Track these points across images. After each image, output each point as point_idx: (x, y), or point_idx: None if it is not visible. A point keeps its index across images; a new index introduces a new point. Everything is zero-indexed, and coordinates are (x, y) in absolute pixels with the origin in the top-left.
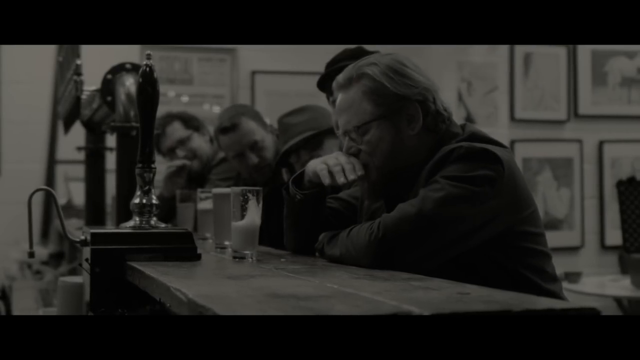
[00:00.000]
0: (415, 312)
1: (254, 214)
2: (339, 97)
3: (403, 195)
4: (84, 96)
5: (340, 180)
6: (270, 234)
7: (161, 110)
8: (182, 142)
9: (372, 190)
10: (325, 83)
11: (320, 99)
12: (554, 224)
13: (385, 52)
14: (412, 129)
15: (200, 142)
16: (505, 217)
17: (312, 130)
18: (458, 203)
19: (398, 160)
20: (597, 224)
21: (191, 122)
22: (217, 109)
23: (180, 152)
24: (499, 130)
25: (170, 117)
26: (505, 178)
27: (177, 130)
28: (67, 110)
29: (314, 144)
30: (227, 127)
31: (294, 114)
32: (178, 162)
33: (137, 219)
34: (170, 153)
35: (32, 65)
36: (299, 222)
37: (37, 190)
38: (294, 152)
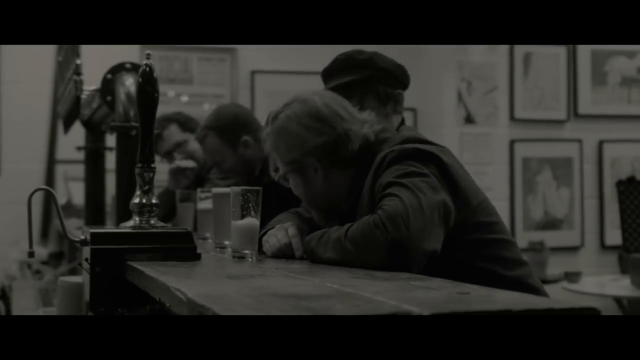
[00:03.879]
0: (415, 312)
1: (253, 214)
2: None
3: (353, 214)
4: (83, 96)
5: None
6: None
7: (161, 110)
8: (179, 145)
9: (322, 220)
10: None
11: None
12: (554, 224)
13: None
14: (319, 177)
15: (197, 145)
16: (455, 212)
17: None
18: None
19: (322, 201)
20: (596, 223)
21: (188, 125)
22: None
23: (177, 156)
24: (499, 130)
25: (167, 120)
26: (441, 174)
27: (174, 134)
28: (67, 110)
29: None
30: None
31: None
32: (189, 164)
33: (137, 218)
34: (167, 156)
35: (32, 65)
36: None
37: (37, 190)
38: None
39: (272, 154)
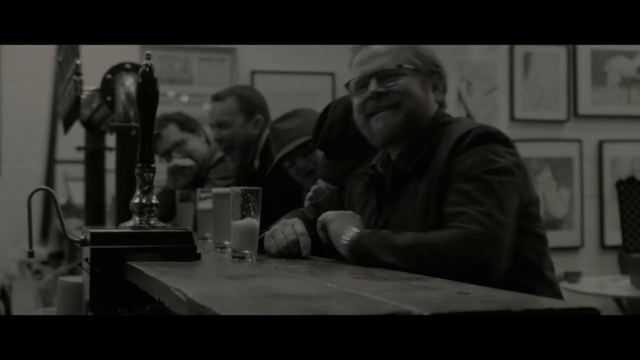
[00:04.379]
0: (415, 312)
1: (253, 214)
2: (371, 48)
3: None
4: (83, 96)
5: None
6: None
7: (161, 110)
8: (178, 144)
9: (398, 127)
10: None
11: (319, 99)
12: (554, 224)
13: None
14: (436, 95)
15: (196, 145)
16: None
17: (305, 135)
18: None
19: (419, 116)
20: (596, 223)
21: (187, 124)
22: None
23: (176, 155)
24: None
25: (166, 120)
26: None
27: (172, 134)
28: (67, 110)
29: (309, 149)
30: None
31: (286, 119)
32: (187, 162)
33: (137, 218)
34: (166, 156)
35: (32, 65)
36: None
37: (37, 190)
38: (287, 158)
39: (386, 54)
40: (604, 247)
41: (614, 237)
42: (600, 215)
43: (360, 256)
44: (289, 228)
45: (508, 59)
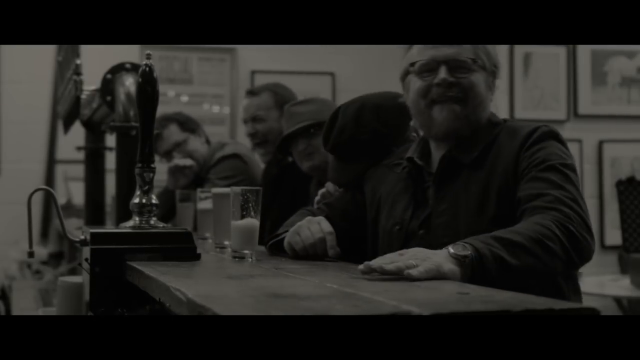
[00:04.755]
0: (415, 312)
1: (253, 214)
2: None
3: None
4: (83, 96)
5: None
6: (271, 220)
7: (161, 110)
8: (179, 144)
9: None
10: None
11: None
12: None
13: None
14: (491, 95)
15: (196, 145)
16: None
17: (313, 120)
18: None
19: (480, 114)
20: (596, 223)
21: (187, 125)
22: (216, 109)
23: (177, 155)
24: None
25: (167, 120)
26: None
27: (173, 134)
28: (67, 110)
29: (313, 133)
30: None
31: (302, 103)
32: (187, 162)
33: (137, 218)
34: (167, 156)
35: (32, 65)
36: None
37: (37, 190)
38: (292, 139)
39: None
40: (604, 247)
41: (614, 237)
42: (600, 215)
43: (474, 277)
44: (315, 225)
45: (508, 59)
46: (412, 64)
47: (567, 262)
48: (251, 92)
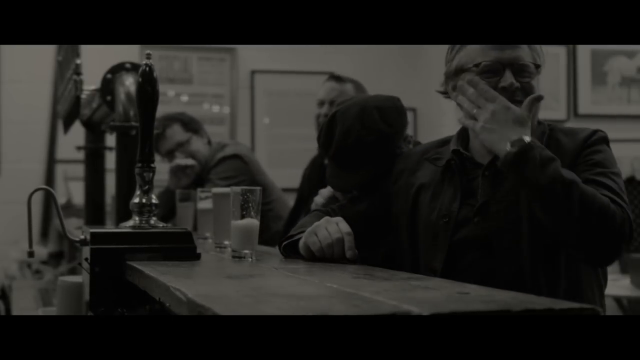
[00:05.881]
0: (415, 311)
1: (253, 214)
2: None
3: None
4: (83, 96)
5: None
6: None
7: (161, 109)
8: (181, 144)
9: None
10: None
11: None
12: None
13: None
14: None
15: (198, 145)
16: None
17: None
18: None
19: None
20: None
21: (190, 125)
22: (216, 109)
23: (179, 155)
24: None
25: (170, 119)
26: None
27: (176, 133)
28: (67, 110)
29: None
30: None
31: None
32: (189, 162)
33: (137, 218)
34: (169, 155)
35: (32, 65)
36: None
37: (37, 189)
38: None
39: (529, 46)
40: None
41: None
42: None
43: (519, 165)
44: (333, 226)
45: None
46: (477, 65)
47: (600, 243)
48: (337, 78)
